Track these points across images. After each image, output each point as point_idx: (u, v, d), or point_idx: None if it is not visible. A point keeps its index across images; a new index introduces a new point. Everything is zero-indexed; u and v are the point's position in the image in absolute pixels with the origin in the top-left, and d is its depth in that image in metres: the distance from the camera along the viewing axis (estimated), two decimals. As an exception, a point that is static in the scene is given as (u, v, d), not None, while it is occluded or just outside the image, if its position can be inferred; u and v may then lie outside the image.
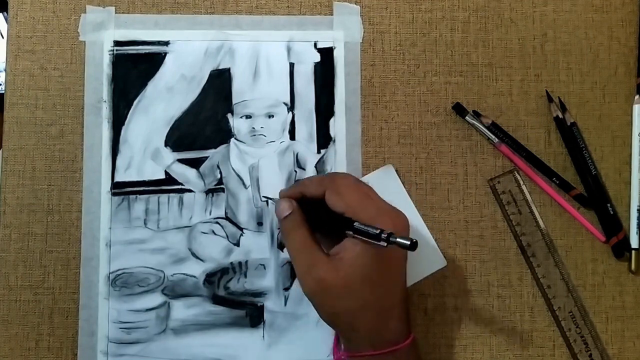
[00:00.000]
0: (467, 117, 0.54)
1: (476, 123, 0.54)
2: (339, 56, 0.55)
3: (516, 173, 0.54)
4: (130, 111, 0.53)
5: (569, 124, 0.54)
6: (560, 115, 0.55)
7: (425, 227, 0.53)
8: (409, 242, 0.41)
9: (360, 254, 0.44)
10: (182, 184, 0.53)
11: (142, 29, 0.54)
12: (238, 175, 0.53)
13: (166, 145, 0.53)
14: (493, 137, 0.54)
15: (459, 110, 0.54)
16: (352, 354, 0.46)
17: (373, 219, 0.44)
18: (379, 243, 0.42)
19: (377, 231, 0.42)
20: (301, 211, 0.47)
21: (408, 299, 0.48)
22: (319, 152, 0.54)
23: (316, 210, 0.47)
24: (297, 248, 0.46)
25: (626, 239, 0.54)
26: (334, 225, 0.46)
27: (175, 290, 0.52)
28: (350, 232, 0.44)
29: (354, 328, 0.45)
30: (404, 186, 0.54)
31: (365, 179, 0.53)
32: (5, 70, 0.54)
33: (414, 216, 0.53)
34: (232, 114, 0.54)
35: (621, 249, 0.54)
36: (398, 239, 0.41)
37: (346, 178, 0.48)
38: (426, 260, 0.53)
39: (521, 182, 0.54)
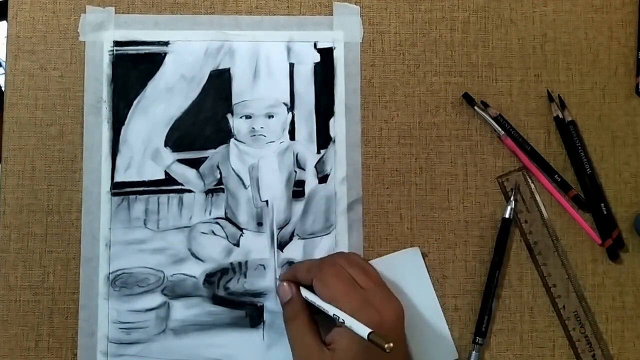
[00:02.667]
0: (475, 107, 0.54)
1: (484, 114, 0.54)
2: (338, 56, 0.55)
3: (525, 171, 0.54)
4: (130, 111, 0.53)
5: (567, 121, 0.54)
6: (560, 115, 0.55)
7: (442, 316, 0.52)
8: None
9: (350, 345, 0.43)
10: (181, 184, 0.53)
11: (142, 29, 0.54)
12: (238, 176, 0.53)
13: (166, 145, 0.53)
14: (499, 129, 0.54)
15: (468, 100, 0.54)
16: None
17: (357, 310, 0.43)
18: (357, 333, 0.41)
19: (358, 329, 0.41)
20: (301, 297, 0.48)
21: None
22: (318, 152, 0.54)
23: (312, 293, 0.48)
24: (294, 337, 0.47)
25: (620, 237, 0.54)
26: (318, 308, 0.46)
27: (175, 291, 0.52)
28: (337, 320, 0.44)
29: None
30: (429, 271, 0.53)
31: (390, 257, 0.53)
32: (4, 70, 0.54)
33: (432, 303, 0.52)
34: (232, 114, 0.54)
35: (615, 250, 0.53)
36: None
37: (333, 264, 0.47)
38: (437, 350, 0.52)
39: (530, 180, 0.54)
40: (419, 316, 0.52)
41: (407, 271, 0.52)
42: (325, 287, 0.45)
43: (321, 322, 0.48)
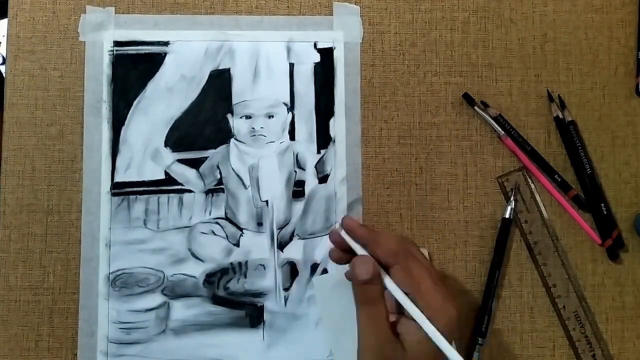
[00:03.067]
0: (475, 107, 0.54)
1: (484, 114, 0.54)
2: (338, 56, 0.55)
3: (525, 171, 0.54)
4: (130, 111, 0.53)
5: (567, 121, 0.54)
6: (560, 115, 0.55)
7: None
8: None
9: (421, 340, 0.41)
10: (182, 184, 0.53)
11: (142, 29, 0.54)
12: (238, 176, 0.53)
13: (166, 145, 0.53)
14: (499, 129, 0.54)
15: (468, 100, 0.54)
16: None
17: (440, 308, 0.41)
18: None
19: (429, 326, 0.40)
20: (381, 279, 0.42)
21: None
22: (318, 152, 0.54)
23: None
24: (371, 323, 0.42)
25: (620, 237, 0.54)
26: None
27: (175, 291, 0.52)
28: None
29: None
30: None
31: None
32: (4, 70, 0.54)
33: None
34: (232, 114, 0.54)
35: (615, 249, 0.53)
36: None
37: (417, 259, 0.44)
38: None
39: (530, 180, 0.54)
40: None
41: None
42: (410, 279, 0.42)
43: None
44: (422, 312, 0.41)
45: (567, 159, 0.55)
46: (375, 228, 0.50)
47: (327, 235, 0.50)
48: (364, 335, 0.42)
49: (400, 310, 0.43)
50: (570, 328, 0.53)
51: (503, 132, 0.54)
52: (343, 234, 0.44)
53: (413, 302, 0.42)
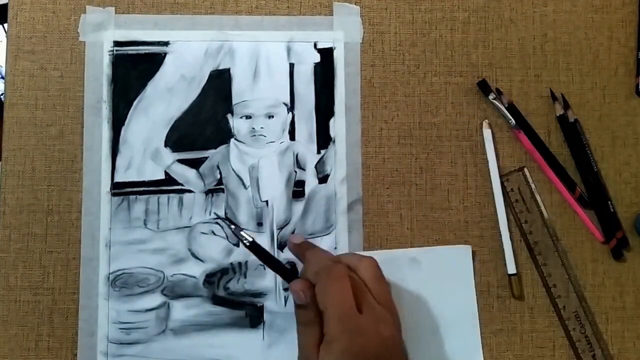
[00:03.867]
0: (489, 97, 0.54)
1: (497, 103, 0.54)
2: (339, 57, 0.55)
3: (525, 171, 0.54)
4: (130, 111, 0.53)
5: (571, 120, 0.54)
6: (564, 114, 0.55)
7: (477, 322, 0.52)
8: (250, 239, 0.46)
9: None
10: (182, 185, 0.53)
11: (142, 30, 0.54)
12: (238, 176, 0.53)
13: (166, 145, 0.53)
14: (512, 119, 0.54)
15: (483, 88, 0.54)
16: None
17: (339, 335, 0.42)
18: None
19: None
20: (316, 304, 0.44)
21: None
22: (319, 152, 0.54)
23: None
24: (303, 343, 0.45)
25: (625, 238, 0.54)
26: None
27: (175, 291, 0.52)
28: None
29: None
30: (475, 273, 0.53)
31: (439, 249, 0.53)
32: (4, 71, 0.54)
33: (470, 307, 0.52)
34: (232, 115, 0.54)
35: (620, 249, 0.54)
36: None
37: (341, 279, 0.44)
38: (463, 355, 0.51)
39: (530, 180, 0.54)
40: (453, 316, 0.51)
41: (453, 268, 0.52)
42: (325, 298, 0.43)
43: None
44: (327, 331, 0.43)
45: (567, 160, 0.55)
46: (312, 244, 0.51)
47: (327, 235, 0.53)
48: (301, 351, 0.45)
49: None
50: (570, 328, 0.53)
51: (514, 122, 0.54)
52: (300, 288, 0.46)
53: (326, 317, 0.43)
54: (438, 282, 0.52)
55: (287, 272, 0.48)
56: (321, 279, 0.44)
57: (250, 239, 0.47)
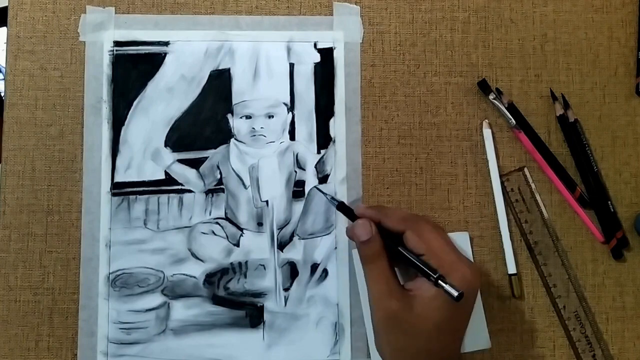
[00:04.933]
0: (489, 97, 0.54)
1: (497, 103, 0.54)
2: (339, 56, 0.55)
3: (525, 171, 0.54)
4: (130, 111, 0.53)
5: (571, 120, 0.54)
6: (564, 114, 0.55)
7: (481, 304, 0.52)
8: (456, 293, 0.41)
9: (435, 297, 0.43)
10: (182, 185, 0.53)
11: (142, 30, 0.54)
12: (238, 176, 0.53)
13: (166, 145, 0.53)
14: (512, 119, 0.54)
15: (483, 88, 0.54)
16: None
17: (452, 265, 0.44)
18: (445, 292, 0.42)
19: (429, 272, 0.43)
20: (380, 237, 0.46)
21: None
22: (318, 152, 0.54)
23: (388, 239, 0.47)
24: (375, 277, 0.45)
25: (625, 238, 0.54)
26: (401, 255, 0.46)
27: (175, 291, 0.52)
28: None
29: None
30: (474, 256, 0.53)
31: None
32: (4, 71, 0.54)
33: None
34: (232, 115, 0.54)
35: (620, 249, 0.54)
36: (446, 286, 0.42)
37: (428, 222, 0.47)
38: (471, 337, 0.51)
39: (530, 180, 0.54)
40: None
41: None
42: (422, 240, 0.45)
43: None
44: (436, 267, 0.44)
45: (567, 160, 0.55)
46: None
47: (327, 235, 0.53)
48: (372, 290, 0.45)
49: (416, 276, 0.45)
50: (570, 328, 0.53)
51: (514, 122, 0.54)
52: (362, 221, 0.47)
53: (421, 261, 0.44)
54: None
55: (351, 212, 0.49)
56: (413, 224, 0.46)
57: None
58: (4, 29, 0.55)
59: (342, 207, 0.50)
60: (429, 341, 0.44)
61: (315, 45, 0.55)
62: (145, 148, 0.53)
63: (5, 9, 0.54)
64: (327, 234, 0.53)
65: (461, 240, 0.53)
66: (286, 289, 0.52)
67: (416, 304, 0.44)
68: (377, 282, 0.45)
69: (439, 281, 0.42)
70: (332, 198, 0.51)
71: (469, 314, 0.46)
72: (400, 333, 0.44)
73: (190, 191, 0.53)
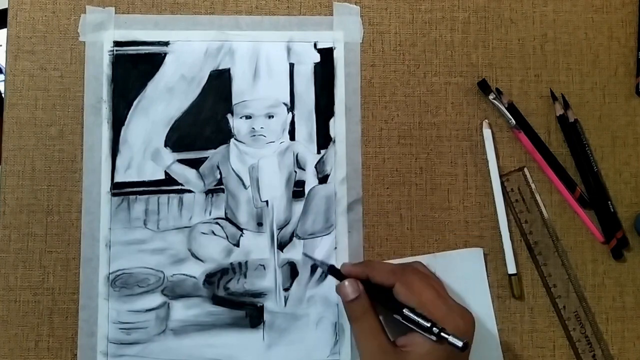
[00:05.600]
0: (489, 97, 0.54)
1: (497, 103, 0.54)
2: (338, 56, 0.55)
3: (525, 171, 0.54)
4: (130, 111, 0.53)
5: (571, 120, 0.54)
6: (564, 114, 0.55)
7: (494, 321, 0.52)
8: (460, 343, 0.41)
9: (430, 352, 0.43)
10: (182, 185, 0.53)
11: (142, 30, 0.54)
12: (238, 176, 0.53)
13: (166, 145, 0.53)
14: (512, 119, 0.54)
15: (483, 88, 0.54)
16: None
17: (444, 317, 0.43)
18: (429, 336, 0.42)
19: (429, 324, 0.42)
20: (367, 295, 0.46)
21: None
22: (318, 152, 0.54)
23: (378, 294, 0.47)
24: (365, 335, 0.46)
25: (625, 238, 0.54)
26: (393, 310, 0.45)
27: (175, 291, 0.52)
28: (408, 323, 0.44)
29: None
30: (488, 274, 0.53)
31: (451, 253, 0.53)
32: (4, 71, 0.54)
33: (487, 308, 0.52)
34: (232, 115, 0.54)
35: (620, 249, 0.54)
36: (449, 338, 0.41)
37: (417, 272, 0.47)
38: (482, 354, 0.51)
39: (530, 180, 0.54)
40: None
41: (466, 271, 0.52)
42: (412, 293, 0.45)
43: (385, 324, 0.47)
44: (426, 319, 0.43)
45: (567, 160, 0.55)
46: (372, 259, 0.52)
47: (327, 235, 0.53)
48: (363, 348, 0.45)
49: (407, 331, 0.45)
50: (570, 328, 0.53)
51: (514, 122, 0.54)
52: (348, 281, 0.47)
53: (417, 314, 0.43)
54: (452, 287, 0.52)
55: (338, 272, 0.49)
56: (401, 276, 0.46)
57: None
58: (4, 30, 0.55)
59: (331, 270, 0.50)
60: None
61: (315, 45, 0.55)
62: (145, 148, 0.53)
63: (4, 11, 0.54)
64: (327, 234, 0.53)
65: (474, 257, 0.53)
66: (286, 289, 0.52)
67: (411, 359, 0.43)
68: (368, 340, 0.45)
69: (442, 333, 0.42)
70: (322, 262, 0.52)
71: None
72: None
73: (190, 191, 0.53)
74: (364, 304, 0.46)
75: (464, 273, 0.52)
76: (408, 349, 0.44)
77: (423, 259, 0.52)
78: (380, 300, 0.47)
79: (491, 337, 0.52)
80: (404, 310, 0.44)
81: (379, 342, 0.45)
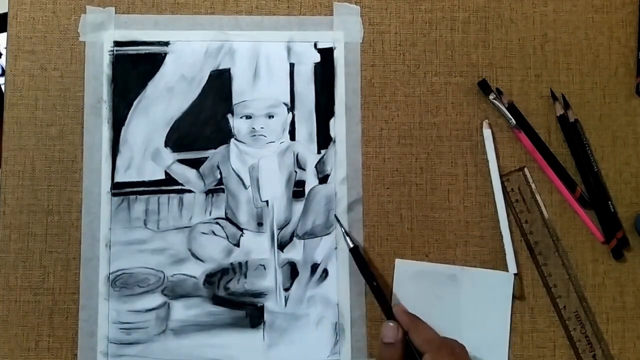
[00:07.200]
0: (489, 97, 0.54)
1: (497, 103, 0.54)
2: (339, 56, 0.55)
3: (525, 171, 0.54)
4: (130, 111, 0.53)
5: (572, 120, 0.54)
6: (565, 114, 0.55)
7: (506, 348, 0.52)
8: None
9: None
10: (182, 185, 0.53)
11: (142, 30, 0.54)
12: (238, 176, 0.53)
13: (166, 145, 0.53)
14: (512, 119, 0.54)
15: (484, 88, 0.54)
16: None
17: None
18: None
19: None
20: (404, 344, 0.48)
21: None
22: (319, 152, 0.54)
23: (410, 353, 0.48)
24: None
25: (625, 238, 0.54)
26: None
27: (175, 291, 0.52)
28: None
29: None
30: (514, 300, 0.53)
31: (483, 272, 0.53)
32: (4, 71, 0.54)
33: (503, 333, 0.52)
34: (232, 115, 0.54)
35: (620, 249, 0.54)
36: None
37: (452, 354, 0.47)
38: None
39: (530, 180, 0.54)
40: (485, 341, 0.52)
41: (491, 292, 0.52)
42: None
43: None
44: None
45: (567, 160, 0.55)
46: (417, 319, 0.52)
47: (327, 235, 0.53)
48: None
49: None
50: (570, 328, 0.53)
51: (515, 122, 0.54)
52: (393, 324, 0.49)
53: None
54: (474, 304, 0.52)
55: (388, 307, 0.50)
56: (434, 349, 0.47)
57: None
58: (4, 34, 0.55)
59: (355, 254, 0.51)
60: None
61: (315, 45, 0.55)
62: (146, 148, 0.53)
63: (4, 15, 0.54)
64: (327, 234, 0.53)
65: (503, 280, 0.52)
66: (286, 289, 0.52)
67: None
68: None
69: None
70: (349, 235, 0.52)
71: None
72: None
73: (190, 191, 0.53)
74: (397, 350, 0.47)
75: (489, 293, 0.52)
76: None
77: (453, 269, 0.52)
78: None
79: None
80: None
81: None
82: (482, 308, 0.52)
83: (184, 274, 0.52)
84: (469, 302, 0.52)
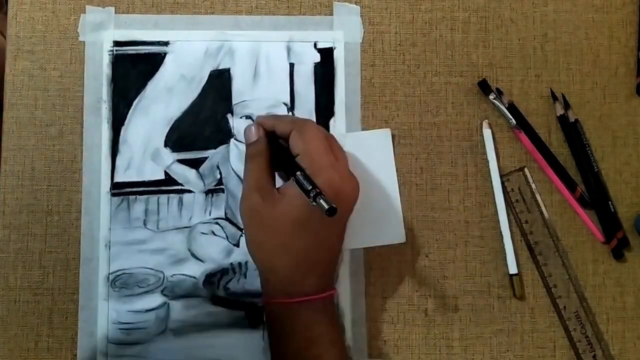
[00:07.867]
0: (490, 97, 0.54)
1: (498, 103, 0.54)
2: (339, 56, 0.55)
3: (526, 171, 0.54)
4: (130, 111, 0.53)
5: (572, 120, 0.54)
6: (565, 114, 0.54)
7: (398, 200, 0.52)
8: (327, 206, 0.41)
9: (298, 195, 0.43)
10: (181, 185, 0.53)
11: (142, 29, 0.54)
12: (238, 176, 0.53)
13: (166, 145, 0.53)
14: (512, 119, 0.54)
15: (484, 87, 0.54)
16: (267, 300, 0.48)
17: (323, 168, 0.45)
18: (307, 198, 0.42)
19: (309, 187, 0.42)
20: (267, 142, 0.48)
21: (340, 261, 0.51)
22: (319, 152, 0.54)
23: (277, 148, 0.48)
24: (251, 172, 0.48)
25: (626, 238, 0.54)
26: (285, 166, 0.47)
27: (174, 291, 0.52)
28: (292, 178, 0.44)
29: (272, 268, 0.47)
30: (395, 154, 0.53)
31: (361, 133, 0.53)
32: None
33: (392, 185, 0.52)
34: (232, 114, 0.54)
35: (620, 249, 0.54)
36: (321, 200, 0.41)
37: (318, 128, 0.48)
38: (386, 230, 0.51)
39: (530, 180, 0.54)
40: (376, 195, 0.52)
41: (374, 150, 0.52)
42: (302, 140, 0.46)
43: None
44: (305, 168, 0.44)
45: (567, 160, 0.55)
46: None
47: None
48: (245, 183, 0.48)
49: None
50: (571, 328, 0.53)
51: (515, 122, 0.54)
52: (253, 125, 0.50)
53: (301, 162, 0.45)
54: (362, 163, 0.52)
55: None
56: (299, 125, 0.47)
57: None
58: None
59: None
60: (288, 238, 0.45)
61: (315, 45, 0.55)
62: (145, 148, 0.53)
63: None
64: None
65: (382, 137, 0.53)
66: (286, 289, 0.52)
67: (279, 202, 0.45)
68: (251, 177, 0.48)
69: (317, 197, 0.41)
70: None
71: (341, 221, 0.48)
72: (261, 227, 0.46)
73: (190, 191, 0.53)
74: (259, 147, 0.48)
75: (372, 152, 0.52)
76: (282, 191, 0.46)
77: (338, 136, 0.52)
78: (281, 165, 0.48)
79: (395, 215, 0.52)
80: (297, 174, 0.44)
81: (259, 181, 0.47)
82: (369, 167, 0.52)
83: (183, 274, 0.52)
84: (357, 163, 0.51)
